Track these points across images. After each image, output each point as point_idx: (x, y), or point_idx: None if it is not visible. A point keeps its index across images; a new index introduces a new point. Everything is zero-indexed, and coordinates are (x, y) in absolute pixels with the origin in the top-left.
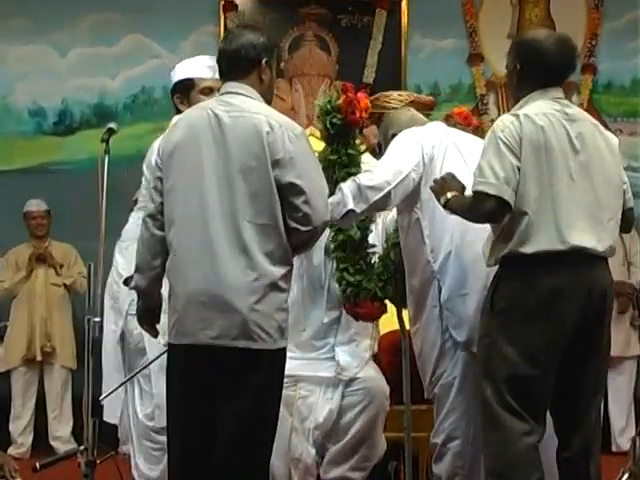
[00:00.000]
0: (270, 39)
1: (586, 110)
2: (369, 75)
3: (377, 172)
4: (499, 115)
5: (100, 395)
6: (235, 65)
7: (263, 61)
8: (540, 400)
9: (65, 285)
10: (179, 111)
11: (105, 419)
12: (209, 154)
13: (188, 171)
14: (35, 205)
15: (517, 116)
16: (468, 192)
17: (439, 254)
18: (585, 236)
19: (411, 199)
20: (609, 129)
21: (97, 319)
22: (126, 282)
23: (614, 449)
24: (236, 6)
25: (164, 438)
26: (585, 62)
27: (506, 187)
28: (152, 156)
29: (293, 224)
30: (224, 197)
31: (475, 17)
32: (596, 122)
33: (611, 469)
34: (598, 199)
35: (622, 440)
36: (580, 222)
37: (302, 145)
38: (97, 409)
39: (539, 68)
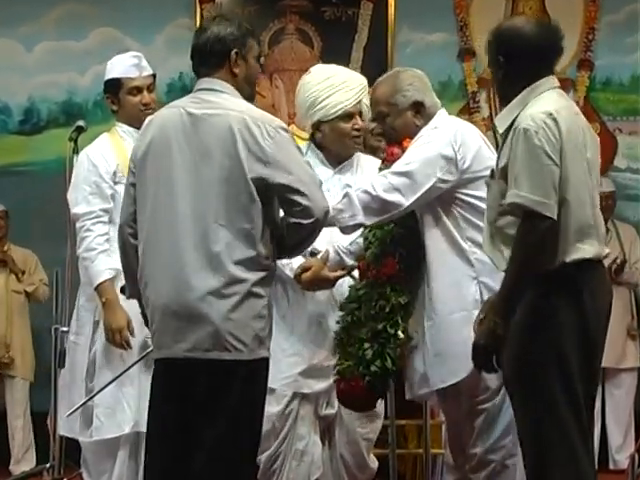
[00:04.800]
0: (242, 28)
1: (582, 108)
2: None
3: (395, 181)
4: (490, 114)
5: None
6: (204, 61)
7: (232, 53)
8: None
9: (26, 292)
10: (113, 111)
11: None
12: (182, 155)
13: (160, 175)
14: None
15: (550, 114)
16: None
17: (482, 256)
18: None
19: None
20: (607, 128)
21: (65, 328)
22: (122, 290)
23: (612, 467)
24: None
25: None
26: (582, 57)
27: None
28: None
29: (294, 220)
30: (196, 200)
31: (466, 10)
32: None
33: None
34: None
35: (620, 457)
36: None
37: (283, 138)
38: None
39: (527, 55)
